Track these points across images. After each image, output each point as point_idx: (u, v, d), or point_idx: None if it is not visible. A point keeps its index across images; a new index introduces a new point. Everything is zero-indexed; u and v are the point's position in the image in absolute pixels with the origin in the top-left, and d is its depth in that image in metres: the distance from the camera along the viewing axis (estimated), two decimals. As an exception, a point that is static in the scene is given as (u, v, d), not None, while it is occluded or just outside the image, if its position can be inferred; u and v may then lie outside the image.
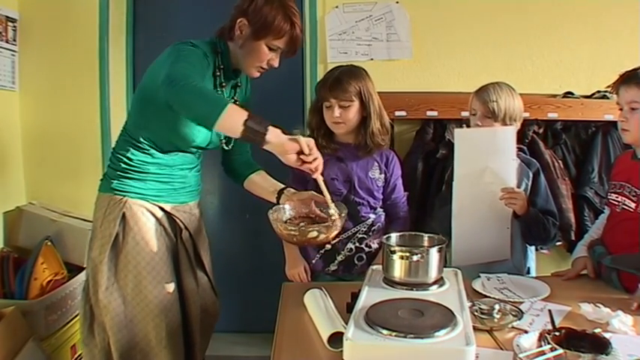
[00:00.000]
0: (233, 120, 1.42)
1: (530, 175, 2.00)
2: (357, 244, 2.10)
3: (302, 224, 1.62)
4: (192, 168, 1.85)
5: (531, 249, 2.11)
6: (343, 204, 1.75)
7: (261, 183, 1.91)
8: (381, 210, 2.16)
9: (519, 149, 1.91)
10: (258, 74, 1.77)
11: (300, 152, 1.51)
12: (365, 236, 2.11)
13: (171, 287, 1.75)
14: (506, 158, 1.86)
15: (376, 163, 2.12)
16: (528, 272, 2.07)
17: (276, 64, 1.73)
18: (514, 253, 2.00)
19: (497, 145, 1.85)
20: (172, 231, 1.79)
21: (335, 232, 1.65)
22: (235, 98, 1.84)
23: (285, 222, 1.68)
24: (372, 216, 2.12)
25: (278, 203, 1.80)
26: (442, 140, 2.68)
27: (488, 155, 1.84)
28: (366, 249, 2.12)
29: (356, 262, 2.11)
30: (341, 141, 2.11)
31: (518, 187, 1.94)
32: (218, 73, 1.74)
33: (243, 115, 1.44)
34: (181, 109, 1.46)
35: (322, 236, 1.60)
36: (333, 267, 2.12)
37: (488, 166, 1.85)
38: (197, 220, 1.89)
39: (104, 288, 1.70)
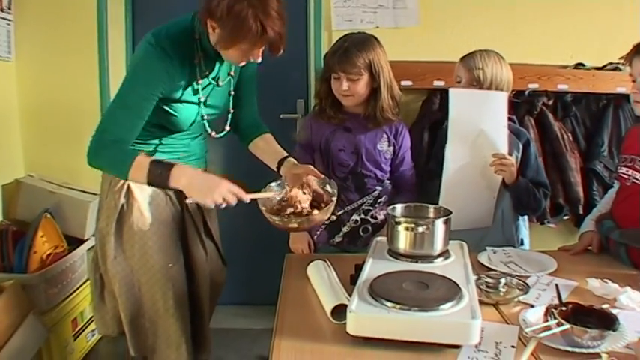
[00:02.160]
0: (137, 178, 1.54)
1: (520, 146, 1.99)
2: (363, 216, 2.10)
3: (286, 216, 1.60)
4: (196, 137, 1.84)
5: (524, 220, 2.12)
6: (335, 184, 1.73)
7: (265, 148, 1.89)
8: (388, 182, 2.16)
9: (509, 119, 1.90)
10: (243, 63, 1.69)
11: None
12: (371, 208, 2.11)
13: (177, 257, 1.77)
14: (497, 124, 1.85)
15: (385, 135, 2.10)
16: (522, 244, 2.09)
17: (258, 60, 1.61)
18: (504, 224, 2.01)
19: (490, 109, 1.84)
20: (178, 200, 1.79)
21: (319, 221, 1.64)
22: (232, 74, 1.79)
23: (273, 208, 1.67)
24: (379, 188, 2.12)
25: (278, 172, 1.80)
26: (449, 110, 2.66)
27: (482, 118, 1.84)
28: (372, 220, 2.12)
29: (361, 233, 2.11)
30: (350, 111, 2.09)
31: None
32: (197, 61, 1.65)
33: (143, 173, 1.52)
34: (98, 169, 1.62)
35: (305, 227, 1.61)
36: (338, 238, 2.13)
37: (481, 130, 1.84)
38: None
39: (112, 258, 1.72)
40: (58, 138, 2.83)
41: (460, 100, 1.82)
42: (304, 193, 1.67)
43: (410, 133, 2.43)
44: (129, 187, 1.70)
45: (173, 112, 1.67)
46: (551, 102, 2.70)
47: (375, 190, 2.12)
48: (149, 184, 1.54)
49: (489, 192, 1.93)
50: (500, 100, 1.85)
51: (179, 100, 1.66)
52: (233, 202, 1.53)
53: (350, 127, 2.09)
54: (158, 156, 1.73)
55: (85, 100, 2.79)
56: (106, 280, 1.78)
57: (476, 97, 1.86)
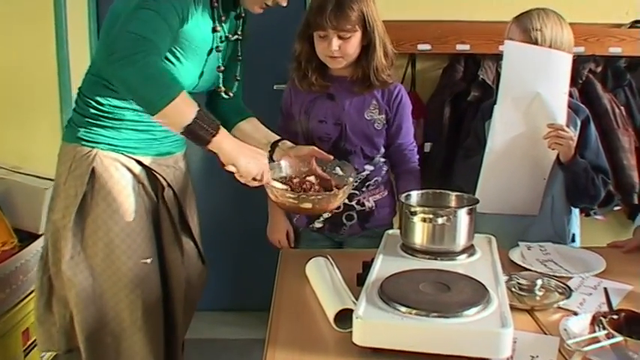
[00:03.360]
0: (180, 113, 1.50)
1: (579, 123, 1.98)
2: (347, 201, 2.06)
3: (302, 194, 1.63)
4: None
5: (576, 212, 2.12)
6: (350, 165, 1.73)
7: (252, 133, 1.90)
8: (382, 161, 2.14)
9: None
10: (260, 10, 1.73)
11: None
12: (356, 192, 2.09)
13: (149, 257, 1.76)
14: (558, 90, 1.85)
15: (374, 101, 2.08)
16: (573, 240, 2.08)
17: (284, 2, 1.70)
18: (554, 214, 2.00)
19: (551, 71, 1.84)
20: (153, 189, 1.79)
21: (336, 204, 1.66)
22: (239, 34, 1.81)
23: (286, 182, 1.70)
24: (369, 168, 2.10)
25: (271, 159, 1.79)
26: (475, 80, 2.66)
27: (539, 80, 1.84)
28: (357, 207, 2.11)
29: (344, 221, 2.11)
30: (333, 74, 2.08)
31: None
32: (216, 4, 1.69)
33: (192, 109, 1.50)
34: (122, 88, 1.52)
35: (319, 207, 1.63)
36: (317, 224, 2.14)
37: (538, 94, 1.84)
38: (183, 175, 1.89)
39: (68, 257, 1.70)
40: (7, 115, 2.83)
41: (517, 56, 1.83)
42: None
43: (427, 107, 2.43)
44: (94, 171, 1.69)
45: (177, 60, 1.65)
46: (599, 69, 2.69)
47: (363, 170, 2.09)
48: (188, 129, 1.49)
49: (539, 171, 1.93)
50: (564, 62, 1.84)
51: (192, 43, 1.65)
52: (261, 183, 1.61)
53: (333, 93, 2.07)
54: (131, 134, 1.73)
55: (39, 73, 2.79)
56: (57, 284, 1.75)
57: (536, 55, 1.85)
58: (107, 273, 1.71)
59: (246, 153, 1.60)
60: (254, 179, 1.60)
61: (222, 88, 1.82)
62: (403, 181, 2.11)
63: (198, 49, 1.69)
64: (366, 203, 2.11)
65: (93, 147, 1.70)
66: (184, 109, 1.50)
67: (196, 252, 1.93)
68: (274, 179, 1.72)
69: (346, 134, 2.06)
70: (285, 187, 1.70)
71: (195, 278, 1.91)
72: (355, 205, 2.10)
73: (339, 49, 1.96)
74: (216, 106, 1.93)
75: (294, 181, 1.75)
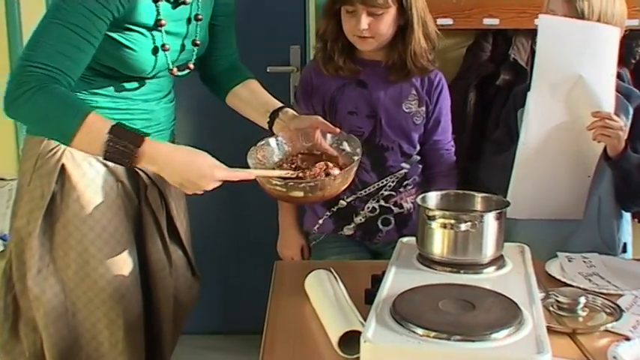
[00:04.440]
0: (87, 146, 1.54)
1: (631, 111, 1.98)
2: (382, 203, 2.12)
3: (289, 181, 1.61)
4: (163, 97, 1.84)
5: (627, 217, 2.11)
6: (357, 139, 1.74)
7: (249, 99, 1.90)
8: (418, 159, 2.17)
9: (617, 75, 1.88)
10: None
11: None
12: (393, 193, 2.12)
13: (130, 268, 1.76)
14: (604, 71, 1.84)
15: (414, 91, 2.11)
16: (624, 250, 2.07)
17: None
18: (601, 221, 2.00)
19: (596, 49, 1.83)
20: (134, 188, 1.79)
21: (335, 190, 1.64)
22: (199, 15, 1.78)
23: (272, 169, 1.68)
24: (405, 166, 2.13)
25: (271, 130, 1.79)
26: (505, 61, 2.65)
27: (582, 61, 1.83)
28: (395, 209, 2.14)
29: (380, 226, 2.14)
30: (365, 58, 2.09)
31: None
32: None
33: (98, 140, 1.50)
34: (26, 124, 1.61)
35: (312, 196, 1.60)
36: (348, 230, 2.15)
37: (580, 77, 1.83)
38: None
39: (35, 271, 1.70)
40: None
41: (554, 32, 1.82)
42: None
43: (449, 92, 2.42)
44: (63, 169, 1.69)
45: (129, 45, 1.65)
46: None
47: (400, 168, 2.12)
48: (106, 158, 1.52)
49: (583, 168, 1.92)
50: (610, 38, 1.83)
51: (137, 25, 1.64)
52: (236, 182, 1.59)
53: (365, 80, 2.09)
54: None
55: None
56: (23, 304, 1.75)
57: (576, 31, 1.84)
58: (81, 288, 1.71)
59: (177, 168, 1.56)
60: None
61: (173, 68, 1.78)
62: (438, 185, 2.12)
63: (145, 29, 1.68)
64: (404, 205, 2.15)
65: None
66: (89, 141, 1.52)
67: (186, 262, 1.93)
68: (268, 165, 1.71)
69: (381, 128, 2.08)
70: (269, 172, 1.67)
71: (185, 293, 1.92)
72: (393, 207, 2.13)
73: (368, 27, 1.97)
74: (208, 69, 1.94)
75: (292, 161, 1.73)
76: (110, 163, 1.71)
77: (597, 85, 1.84)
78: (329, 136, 1.74)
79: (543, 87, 1.85)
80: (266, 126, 1.82)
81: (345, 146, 1.72)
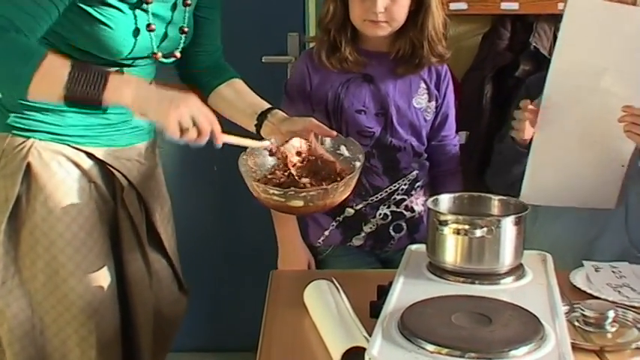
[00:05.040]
0: (48, 86, 1.53)
1: None
2: (394, 208, 2.12)
3: (289, 191, 1.60)
4: None
5: None
6: (356, 143, 1.74)
7: (234, 100, 1.90)
8: (425, 157, 2.18)
9: None
10: None
11: None
12: (405, 197, 2.13)
13: (105, 279, 1.76)
14: (635, 59, 1.83)
15: (423, 84, 2.11)
16: None
17: None
18: (630, 221, 2.01)
19: (629, 34, 1.82)
20: (109, 190, 1.79)
21: (338, 199, 1.64)
22: (187, 0, 1.79)
23: (265, 177, 1.67)
24: (416, 166, 2.14)
25: (259, 135, 1.78)
26: (525, 49, 2.64)
27: (612, 47, 1.82)
28: (407, 214, 2.15)
29: (392, 233, 2.14)
30: (369, 49, 2.09)
31: None
32: None
33: (58, 78, 1.51)
34: None
35: (313, 205, 1.60)
36: (357, 241, 2.16)
37: (609, 64, 1.83)
38: (150, 171, 1.89)
39: None
40: None
41: (583, 12, 1.79)
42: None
43: (462, 84, 2.42)
44: (29, 168, 1.69)
45: (105, 21, 1.64)
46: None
47: (411, 170, 2.13)
48: (68, 98, 1.52)
49: (616, 156, 1.91)
50: None
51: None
52: (204, 134, 1.56)
53: (372, 74, 2.08)
54: (77, 119, 1.72)
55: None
56: None
57: (609, 13, 1.82)
58: (50, 302, 1.71)
59: (149, 95, 1.57)
60: (199, 134, 1.57)
61: (159, 54, 1.79)
62: (445, 185, 2.13)
63: (125, 5, 1.67)
64: (416, 208, 2.15)
65: (28, 136, 1.70)
66: (49, 82, 1.52)
67: (171, 273, 1.93)
68: (260, 174, 1.70)
69: (393, 127, 2.08)
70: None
71: (170, 307, 1.92)
72: (404, 212, 2.14)
73: (385, 10, 1.95)
74: (189, 67, 1.94)
75: (284, 169, 1.72)
76: (84, 163, 1.73)
77: (630, 73, 1.83)
78: (327, 140, 1.74)
79: (562, 72, 1.84)
80: (253, 129, 1.81)
81: (344, 151, 1.72)
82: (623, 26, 1.82)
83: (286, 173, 1.68)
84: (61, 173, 1.71)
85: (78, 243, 1.72)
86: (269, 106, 1.84)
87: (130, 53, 1.71)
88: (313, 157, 1.72)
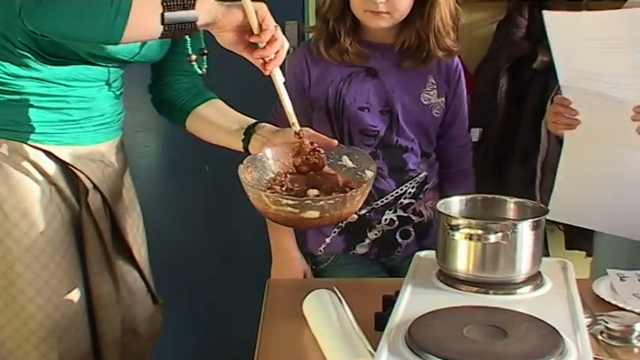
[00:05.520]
0: (145, 19, 1.50)
1: None
2: (401, 213, 2.12)
3: (306, 199, 1.57)
4: (107, 84, 1.82)
5: None
6: (363, 152, 1.73)
7: (216, 119, 1.89)
8: (434, 157, 2.19)
9: None
10: None
11: (245, 28, 1.54)
12: (413, 200, 2.13)
13: (69, 292, 1.75)
14: (630, 60, 1.84)
15: (432, 79, 2.11)
16: None
17: None
18: None
19: (611, 38, 1.84)
20: (73, 193, 1.78)
21: (354, 208, 1.63)
22: None
23: (269, 187, 1.64)
24: (424, 167, 2.14)
25: (247, 151, 1.76)
26: (544, 39, 2.62)
27: (602, 54, 1.84)
28: (415, 219, 2.15)
29: (399, 239, 2.14)
30: (372, 41, 2.09)
31: None
32: None
33: (155, 4, 1.48)
34: (59, 32, 1.54)
35: (329, 216, 1.57)
36: (361, 249, 2.16)
37: (605, 71, 1.85)
38: (116, 174, 1.88)
39: None
40: None
41: (560, 29, 1.86)
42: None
43: (474, 77, 2.42)
44: None
45: None
46: None
47: (419, 171, 2.13)
48: (168, 24, 1.49)
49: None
50: (621, 24, 1.83)
51: None
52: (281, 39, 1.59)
53: (375, 68, 2.08)
54: (36, 114, 1.70)
55: None
56: None
57: (582, 23, 1.87)
58: (6, 315, 1.70)
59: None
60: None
61: (193, 57, 1.76)
62: (456, 187, 2.13)
63: None
64: (424, 212, 2.16)
65: None
66: (146, 14, 1.50)
67: (143, 285, 1.93)
68: (261, 184, 1.69)
69: (399, 126, 2.08)
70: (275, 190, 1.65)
71: (144, 324, 1.92)
72: (412, 216, 2.13)
73: (386, 1, 1.95)
74: (164, 89, 1.94)
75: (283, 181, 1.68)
76: (43, 164, 1.72)
77: (625, 74, 1.85)
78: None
79: (570, 88, 1.90)
80: (239, 146, 1.79)
81: (346, 161, 1.69)
82: (603, 32, 1.85)
83: (283, 188, 1.65)
84: (17, 175, 1.69)
85: (37, 251, 1.70)
86: (255, 120, 1.83)
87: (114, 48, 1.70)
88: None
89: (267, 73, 1.60)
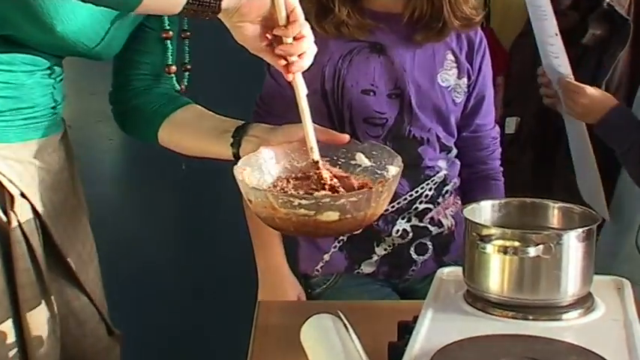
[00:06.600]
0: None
1: None
2: (416, 222, 2.11)
3: (323, 199, 1.55)
4: (43, 67, 1.80)
5: None
6: (382, 146, 1.71)
7: (195, 123, 1.89)
8: (456, 152, 2.19)
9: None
10: None
11: (269, 21, 1.54)
12: (430, 206, 2.12)
13: None
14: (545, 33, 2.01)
15: (451, 55, 2.11)
16: None
17: None
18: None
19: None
20: (1, 205, 1.77)
21: (380, 210, 1.60)
22: None
23: (274, 186, 1.63)
24: (443, 165, 2.14)
25: (237, 157, 1.75)
26: (596, 8, 2.64)
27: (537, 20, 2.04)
28: (433, 229, 2.14)
29: (414, 255, 2.14)
30: (376, 10, 2.09)
31: None
32: None
33: None
34: None
35: (352, 218, 1.54)
36: (367, 267, 2.15)
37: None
38: (54, 177, 1.87)
39: None
40: None
41: None
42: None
43: (511, 55, 2.41)
44: None
45: None
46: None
47: (438, 169, 2.13)
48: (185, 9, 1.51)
49: (583, 155, 2.15)
50: None
51: None
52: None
53: (384, 43, 2.08)
54: None
55: None
56: None
57: None
58: None
59: None
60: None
61: (173, 67, 1.82)
62: (482, 191, 2.16)
63: None
64: (444, 221, 2.15)
65: None
66: None
67: (95, 313, 1.93)
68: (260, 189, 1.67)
69: (411, 112, 2.07)
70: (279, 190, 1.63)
71: (98, 357, 1.92)
72: (430, 227, 2.13)
73: None
74: (135, 93, 1.94)
75: (284, 185, 1.67)
76: None
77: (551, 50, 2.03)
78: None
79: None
80: (228, 153, 1.77)
81: (361, 159, 1.66)
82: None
83: (286, 189, 1.64)
84: None
85: None
86: (244, 121, 1.82)
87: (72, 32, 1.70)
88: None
89: (290, 78, 1.57)
